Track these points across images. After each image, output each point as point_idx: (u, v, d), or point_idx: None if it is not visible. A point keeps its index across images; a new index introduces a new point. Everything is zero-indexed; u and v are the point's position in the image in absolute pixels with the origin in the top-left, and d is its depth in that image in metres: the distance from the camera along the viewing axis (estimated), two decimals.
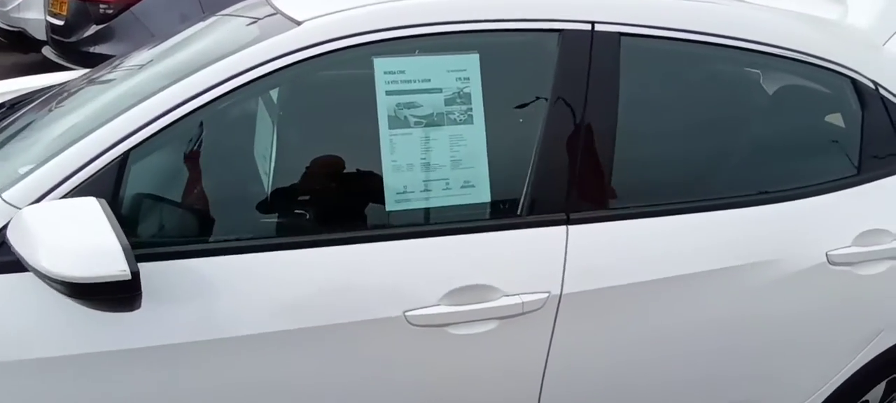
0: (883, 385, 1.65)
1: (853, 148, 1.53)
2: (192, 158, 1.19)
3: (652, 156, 1.37)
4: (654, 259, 1.29)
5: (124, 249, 0.88)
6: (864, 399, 1.64)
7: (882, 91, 1.54)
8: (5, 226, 1.03)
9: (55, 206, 0.98)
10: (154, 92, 1.13)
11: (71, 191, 1.05)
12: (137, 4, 4.35)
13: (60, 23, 4.44)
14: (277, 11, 1.30)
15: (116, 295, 0.89)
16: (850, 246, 1.43)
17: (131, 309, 0.91)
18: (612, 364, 1.32)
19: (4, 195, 1.06)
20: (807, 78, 1.53)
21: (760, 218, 1.39)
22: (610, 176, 1.29)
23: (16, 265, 1.00)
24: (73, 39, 4.38)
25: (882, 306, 1.51)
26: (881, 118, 1.54)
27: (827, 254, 1.42)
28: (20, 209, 1.04)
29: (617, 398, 1.37)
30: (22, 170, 1.12)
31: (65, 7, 4.42)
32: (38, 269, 0.90)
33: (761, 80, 1.55)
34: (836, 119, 1.61)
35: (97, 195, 1.02)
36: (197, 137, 1.19)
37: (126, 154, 1.07)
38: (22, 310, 1.03)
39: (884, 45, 1.67)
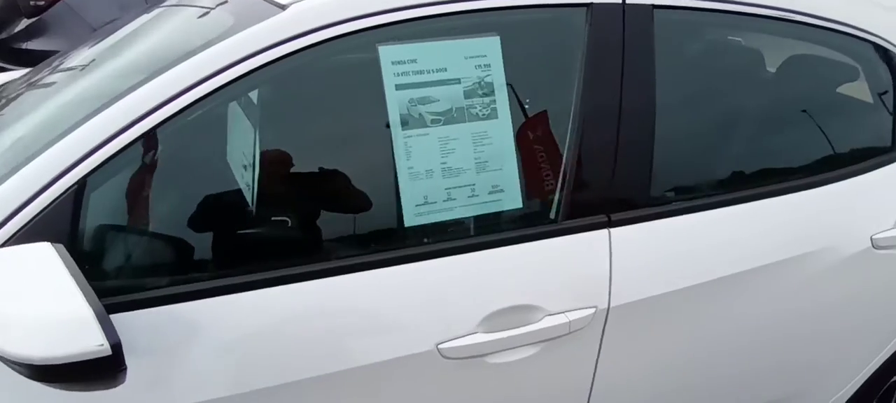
0: None
1: (886, 122, 1.43)
2: (161, 179, 0.97)
3: (693, 145, 1.23)
4: (704, 259, 1.15)
5: (98, 316, 0.68)
6: (892, 379, 1.58)
7: None
8: None
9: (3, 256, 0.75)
10: (110, 100, 0.90)
11: (15, 233, 0.82)
12: None
13: None
14: None
15: (94, 373, 0.68)
16: (893, 228, 1.34)
17: (114, 386, 0.71)
18: (659, 373, 1.19)
19: None
20: (839, 49, 1.41)
21: (805, 206, 1.27)
22: (651, 168, 1.14)
23: None
24: (2, 36, 3.94)
25: None
26: None
27: (872, 238, 1.32)
28: None
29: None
30: None
31: None
32: None
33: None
34: (862, 91, 1.51)
35: (51, 236, 0.81)
36: (167, 152, 0.97)
37: (83, 180, 0.85)
38: None
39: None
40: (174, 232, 0.97)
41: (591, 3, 1.10)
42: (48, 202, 0.83)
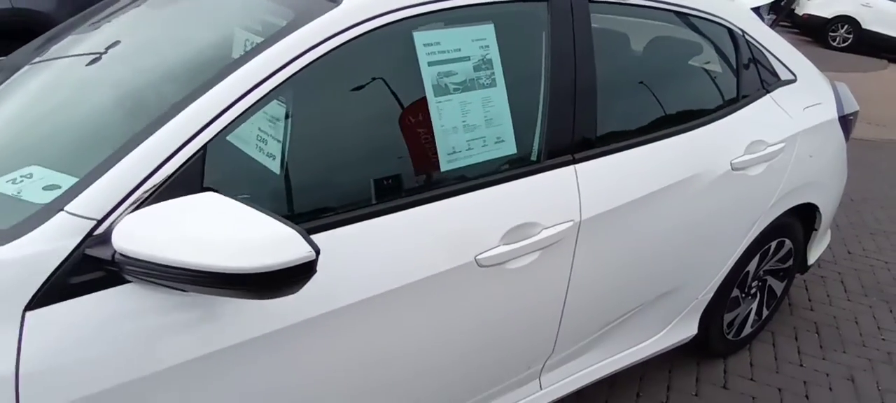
0: (757, 257, 2.23)
1: (732, 80, 2.01)
2: (267, 143, 1.17)
3: (620, 100, 1.67)
4: (635, 181, 1.61)
5: (300, 233, 0.90)
6: (745, 270, 2.21)
7: (741, 38, 2.05)
8: (87, 242, 0.95)
9: (170, 209, 0.93)
10: (218, 75, 1.09)
11: (153, 192, 1.00)
12: None
13: None
14: None
15: (293, 279, 0.90)
16: (743, 155, 1.91)
17: (298, 290, 0.93)
18: (607, 266, 1.62)
19: (69, 208, 0.97)
20: (704, 31, 1.95)
21: (687, 143, 1.79)
22: (596, 121, 1.56)
23: (91, 285, 0.95)
24: None
25: (759, 198, 2.04)
26: (741, 55, 2.04)
27: (730, 162, 1.88)
28: (96, 220, 0.97)
29: (614, 293, 1.70)
30: (43, 179, 1.02)
31: None
32: (198, 268, 0.87)
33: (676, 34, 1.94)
34: (720, 59, 2.08)
35: (184, 191, 1.00)
36: (290, 120, 1.17)
37: (205, 146, 1.04)
38: (110, 330, 0.97)
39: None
40: (279, 185, 1.18)
41: (553, 2, 1.49)
42: (179, 165, 1.02)
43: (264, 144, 1.22)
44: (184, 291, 0.98)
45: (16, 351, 0.90)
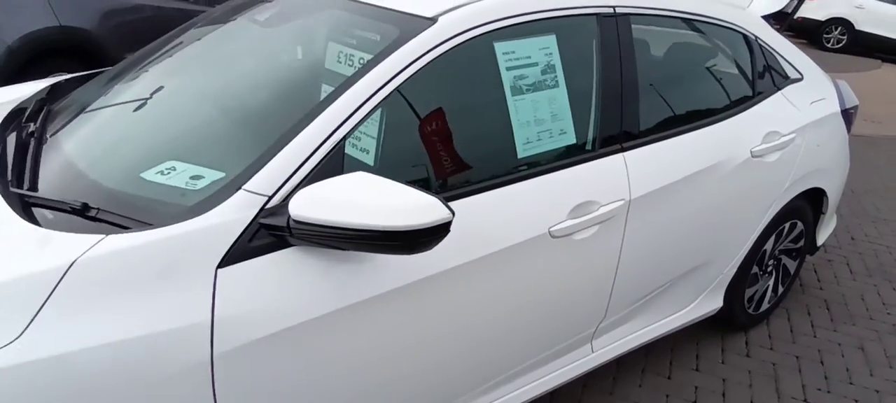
0: (773, 237, 2.49)
1: (748, 79, 2.28)
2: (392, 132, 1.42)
3: (656, 97, 1.92)
4: (673, 166, 1.87)
5: (440, 200, 1.15)
6: (763, 248, 2.46)
7: (754, 42, 2.32)
8: (261, 214, 1.20)
9: (338, 186, 1.17)
10: (344, 86, 1.35)
11: (307, 175, 1.25)
12: None
13: None
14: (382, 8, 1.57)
15: (435, 236, 1.14)
16: (760, 144, 2.17)
17: (435, 246, 1.17)
18: (658, 237, 1.88)
19: (247, 187, 1.22)
20: (723, 37, 2.22)
21: (713, 134, 2.05)
22: (639, 115, 1.82)
23: (264, 248, 1.20)
24: None
25: (775, 183, 2.29)
26: (756, 57, 2.31)
27: (751, 150, 2.14)
28: (267, 196, 1.22)
29: (656, 264, 1.96)
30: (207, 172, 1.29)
31: None
32: (363, 228, 1.11)
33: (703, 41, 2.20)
34: (737, 61, 2.35)
35: (330, 174, 1.25)
36: (390, 119, 1.41)
37: (342, 140, 1.30)
38: (282, 284, 1.21)
39: (747, 7, 2.46)
40: (409, 163, 1.43)
41: (597, 14, 1.75)
42: (325, 154, 1.27)
43: (358, 141, 1.47)
44: (342, 250, 1.22)
45: (211, 301, 1.15)
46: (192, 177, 1.38)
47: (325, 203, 1.15)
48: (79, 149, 1.50)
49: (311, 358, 1.26)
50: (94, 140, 1.56)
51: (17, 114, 1.80)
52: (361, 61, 1.46)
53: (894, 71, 9.77)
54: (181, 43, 1.94)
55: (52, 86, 2.10)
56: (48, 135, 1.60)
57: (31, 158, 1.47)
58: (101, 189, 1.32)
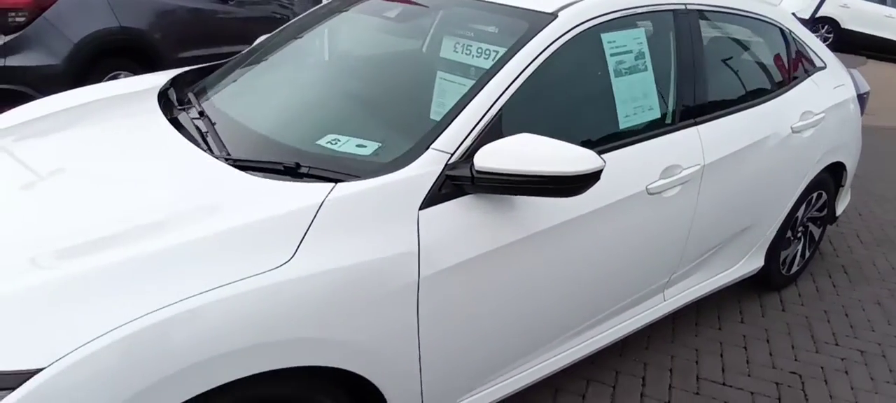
0: (804, 205, 2.84)
1: (786, 66, 2.63)
2: (533, 104, 1.72)
3: (714, 81, 2.26)
4: (734, 138, 2.21)
5: (594, 152, 1.46)
6: (795, 215, 2.82)
7: (788, 34, 2.67)
8: (446, 168, 1.50)
9: (512, 143, 1.47)
10: (492, 70, 1.66)
11: (478, 136, 1.55)
12: (50, 9, 3.99)
13: None
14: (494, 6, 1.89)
15: (589, 181, 1.45)
16: (799, 121, 2.53)
17: (587, 190, 1.48)
18: (719, 199, 2.22)
19: (434, 146, 1.52)
20: (764, 31, 2.57)
21: (760, 113, 2.39)
22: (706, 94, 2.15)
23: (449, 193, 1.50)
24: None
25: (808, 157, 2.65)
26: (790, 47, 2.67)
27: (791, 127, 2.49)
28: (450, 153, 1.52)
29: (719, 222, 2.29)
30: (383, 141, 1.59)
31: None
32: (537, 174, 1.41)
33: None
34: (776, 51, 2.70)
35: (493, 136, 1.56)
36: (527, 94, 1.69)
37: (499, 109, 1.61)
38: (462, 223, 1.52)
39: (779, 4, 2.82)
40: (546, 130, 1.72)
41: (674, 10, 2.09)
42: (491, 119, 1.58)
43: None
44: (511, 194, 1.53)
45: (416, 235, 1.45)
46: (358, 146, 1.68)
47: (503, 156, 1.46)
48: (263, 124, 1.78)
49: (480, 285, 1.57)
50: (272, 116, 1.85)
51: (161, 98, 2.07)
52: (493, 52, 1.76)
53: (880, 67, 10.32)
54: (313, 35, 2.24)
55: (174, 78, 2.37)
56: (220, 114, 1.88)
57: (221, 132, 1.75)
58: (300, 153, 1.61)
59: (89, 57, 4.19)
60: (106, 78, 4.37)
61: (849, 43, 11.01)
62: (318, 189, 1.40)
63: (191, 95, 2.08)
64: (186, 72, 2.45)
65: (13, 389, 1.05)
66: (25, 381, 1.05)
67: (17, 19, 3.91)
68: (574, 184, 1.45)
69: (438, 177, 1.50)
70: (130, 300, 1.14)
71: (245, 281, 1.22)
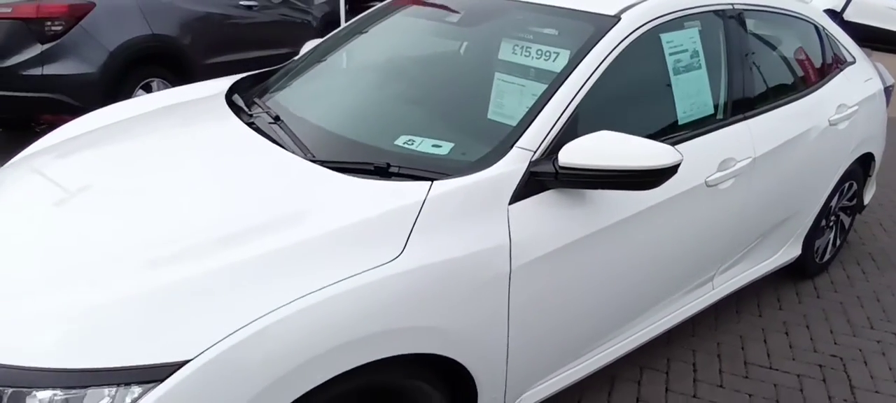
0: (837, 195, 2.94)
1: (821, 61, 2.73)
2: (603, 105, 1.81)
3: (762, 78, 2.36)
4: (779, 132, 2.31)
5: (672, 148, 1.55)
6: (830, 204, 2.92)
7: (821, 31, 2.77)
8: (531, 163, 1.59)
9: (594, 140, 1.56)
10: (564, 74, 1.75)
11: (557, 135, 1.64)
12: (86, 18, 4.07)
13: None
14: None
15: (667, 174, 1.54)
16: (835, 114, 2.63)
17: (664, 182, 1.57)
18: (770, 188, 2.32)
19: (519, 144, 1.61)
20: (802, 29, 2.67)
21: (800, 107, 2.49)
22: (754, 90, 2.25)
23: (531, 189, 1.59)
24: (5, 64, 3.90)
25: (843, 148, 2.75)
26: (824, 43, 2.77)
27: (828, 119, 2.59)
28: (532, 150, 1.61)
29: (767, 210, 2.39)
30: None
31: None
32: (626, 168, 1.50)
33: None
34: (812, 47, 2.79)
35: (569, 135, 1.65)
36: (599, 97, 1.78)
37: (574, 110, 1.70)
38: (546, 217, 1.61)
39: (811, 2, 2.92)
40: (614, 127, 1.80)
41: (723, 9, 2.18)
42: (566, 120, 1.67)
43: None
44: (591, 189, 1.62)
45: (507, 228, 1.54)
46: (434, 145, 1.77)
47: (586, 152, 1.55)
48: (341, 126, 1.87)
49: (562, 275, 1.66)
50: (348, 118, 1.94)
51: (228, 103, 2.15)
52: (554, 54, 1.84)
53: (884, 58, 10.43)
54: (370, 39, 2.33)
55: (234, 85, 2.45)
56: (295, 117, 1.96)
57: (303, 136, 1.83)
58: (382, 152, 1.70)
59: (123, 64, 4.27)
60: (140, 85, 4.46)
61: (852, 35, 11.11)
62: (418, 187, 1.49)
63: (259, 101, 2.17)
64: (242, 79, 2.53)
65: (162, 380, 1.13)
66: (173, 372, 1.14)
67: (54, 28, 3.98)
68: (654, 178, 1.54)
69: (524, 173, 1.59)
70: (264, 293, 1.23)
71: (365, 274, 1.31)
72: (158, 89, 4.57)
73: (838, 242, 3.20)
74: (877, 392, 2.36)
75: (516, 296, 1.56)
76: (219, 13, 4.99)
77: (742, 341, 2.61)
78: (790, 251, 2.78)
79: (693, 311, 2.31)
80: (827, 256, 3.14)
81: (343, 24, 6.57)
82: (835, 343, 2.64)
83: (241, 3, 5.20)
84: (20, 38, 3.92)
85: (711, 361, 2.47)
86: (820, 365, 2.49)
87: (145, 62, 4.47)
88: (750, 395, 2.30)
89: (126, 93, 4.31)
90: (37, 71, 3.96)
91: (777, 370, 2.45)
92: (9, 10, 3.88)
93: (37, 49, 3.95)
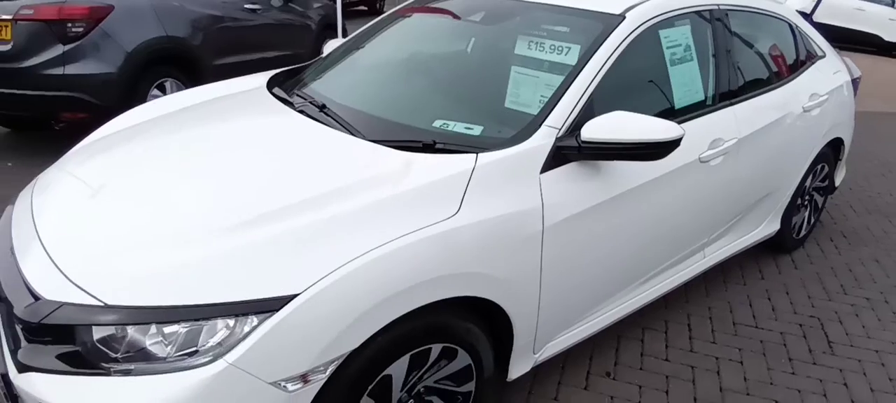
0: (811, 175, 3.28)
1: (795, 55, 3.07)
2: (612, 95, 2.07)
3: (744, 69, 2.67)
4: (761, 116, 2.63)
5: (676, 124, 1.83)
6: (804, 184, 3.25)
7: (795, 28, 3.11)
8: (557, 139, 1.87)
9: (610, 118, 1.84)
10: (577, 70, 2.03)
11: (577, 115, 1.92)
12: (106, 20, 4.25)
13: (4, 49, 4.07)
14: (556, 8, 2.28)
15: (672, 147, 1.81)
16: (808, 102, 2.96)
17: (668, 154, 1.85)
18: (751, 167, 2.63)
19: (547, 122, 1.88)
20: (776, 27, 3.00)
21: (778, 94, 2.82)
22: (738, 80, 2.56)
23: (558, 161, 1.87)
24: (28, 64, 4.06)
25: (816, 132, 3.08)
26: (798, 39, 3.11)
27: (802, 106, 2.92)
28: (558, 127, 1.89)
29: (751, 186, 2.70)
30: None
31: (6, 31, 4.06)
32: (638, 141, 1.78)
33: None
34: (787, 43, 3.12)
35: (586, 117, 1.92)
36: (609, 85, 2.05)
37: (591, 95, 1.98)
38: (570, 185, 1.88)
39: (784, 2, 3.26)
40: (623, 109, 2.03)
41: (712, 8, 2.49)
42: (584, 103, 1.94)
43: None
44: (608, 160, 1.90)
45: (540, 194, 1.82)
46: (466, 127, 2.03)
47: (604, 129, 1.83)
48: (386, 111, 2.12)
49: (583, 235, 1.93)
50: (391, 105, 2.19)
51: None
52: (566, 49, 2.11)
53: (853, 58, 10.99)
54: (403, 36, 2.59)
55: (271, 78, 2.68)
56: (340, 105, 2.20)
57: (353, 120, 2.08)
58: (424, 132, 1.95)
59: (140, 65, 4.45)
60: (154, 85, 4.64)
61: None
62: (467, 158, 1.75)
63: (300, 93, 2.41)
64: (276, 74, 2.77)
65: (276, 310, 1.38)
66: (286, 304, 1.38)
67: (76, 30, 4.15)
68: (662, 149, 1.82)
69: (552, 147, 1.86)
70: (355, 240, 1.48)
71: (433, 226, 1.57)
72: (172, 89, 4.75)
73: (813, 220, 3.55)
74: (852, 345, 2.68)
75: (547, 251, 1.83)
76: (225, 16, 5.19)
77: (730, 306, 2.92)
78: (771, 225, 3.11)
79: (687, 277, 2.61)
80: (803, 232, 3.48)
81: (340, 28, 6.76)
82: (813, 306, 2.96)
83: (246, 6, 5.40)
84: (42, 38, 4.08)
85: (704, 322, 2.77)
86: (800, 325, 2.81)
87: (160, 62, 4.65)
88: (739, 349, 2.61)
89: (142, 93, 4.49)
90: (58, 70, 4.13)
91: (762, 328, 2.76)
92: (31, 12, 4.05)
93: (58, 49, 4.12)
